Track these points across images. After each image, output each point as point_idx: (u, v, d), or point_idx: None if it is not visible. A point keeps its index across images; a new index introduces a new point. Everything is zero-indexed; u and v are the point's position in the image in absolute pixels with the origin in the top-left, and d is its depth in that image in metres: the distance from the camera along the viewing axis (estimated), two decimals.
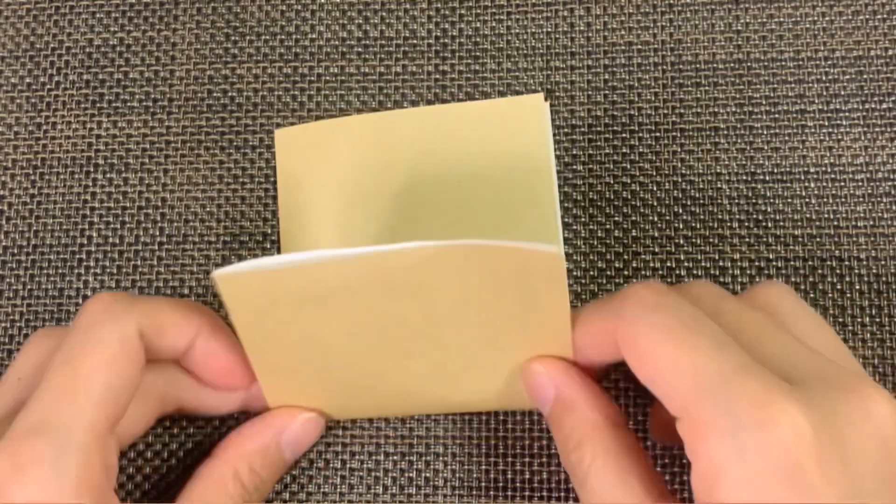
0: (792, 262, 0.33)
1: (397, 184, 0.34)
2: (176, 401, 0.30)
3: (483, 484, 0.32)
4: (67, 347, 0.26)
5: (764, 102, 0.34)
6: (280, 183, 0.35)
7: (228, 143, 0.36)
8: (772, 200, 0.34)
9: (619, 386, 0.32)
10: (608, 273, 0.34)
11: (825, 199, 0.34)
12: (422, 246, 0.24)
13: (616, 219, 0.34)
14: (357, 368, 0.29)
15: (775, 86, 0.35)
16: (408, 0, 0.36)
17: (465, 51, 0.36)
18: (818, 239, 0.33)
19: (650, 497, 0.24)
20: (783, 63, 0.35)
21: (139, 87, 0.36)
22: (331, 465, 0.33)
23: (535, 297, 0.26)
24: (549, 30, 0.36)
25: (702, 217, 0.34)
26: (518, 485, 0.32)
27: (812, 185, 0.34)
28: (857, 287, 0.33)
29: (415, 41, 0.36)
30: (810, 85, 0.34)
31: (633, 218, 0.34)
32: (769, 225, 0.34)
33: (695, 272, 0.33)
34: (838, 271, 0.33)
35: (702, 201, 0.34)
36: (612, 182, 0.34)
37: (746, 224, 0.34)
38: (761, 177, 0.34)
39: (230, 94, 0.36)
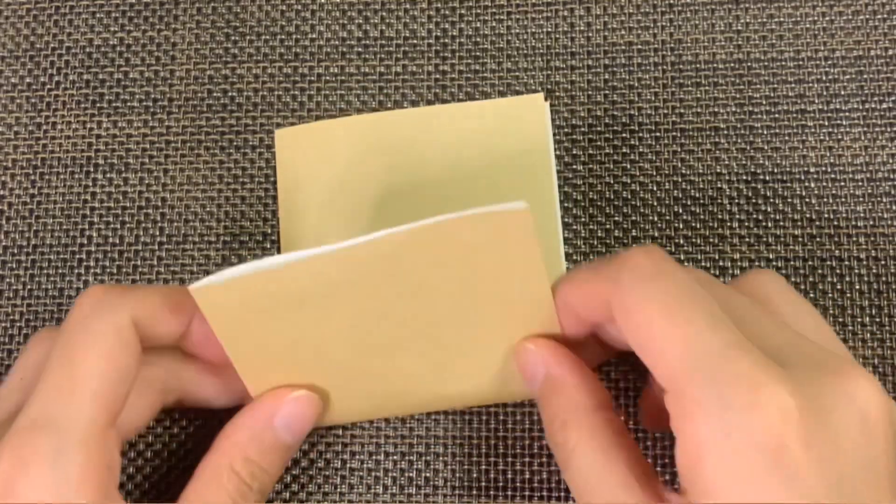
0: (792, 262, 0.33)
1: (397, 183, 0.34)
2: (177, 391, 0.30)
3: (483, 484, 0.32)
4: (63, 343, 0.26)
5: (764, 102, 0.34)
6: (280, 183, 0.35)
7: (228, 143, 0.36)
8: (772, 200, 0.34)
9: (619, 386, 0.32)
10: None
11: (825, 199, 0.34)
12: (389, 233, 0.25)
13: (616, 219, 0.34)
14: (347, 370, 0.29)
15: (775, 86, 0.35)
16: (408, 0, 0.36)
17: (465, 51, 0.36)
18: (818, 239, 0.33)
19: (634, 478, 0.24)
20: (783, 63, 0.35)
21: (139, 87, 0.36)
22: (331, 465, 0.33)
23: (510, 262, 0.26)
24: (549, 30, 0.36)
25: (702, 217, 0.34)
26: (518, 485, 0.32)
27: (812, 185, 0.34)
28: (857, 287, 0.33)
29: (415, 41, 0.36)
30: (810, 85, 0.34)
31: (633, 218, 0.34)
32: (769, 225, 0.34)
33: None
34: (838, 271, 0.33)
35: (702, 201, 0.34)
36: (612, 182, 0.34)
37: (746, 224, 0.34)
38: (761, 177, 0.34)
39: (230, 94, 0.36)
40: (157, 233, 0.35)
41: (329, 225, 0.34)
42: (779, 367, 0.22)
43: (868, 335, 0.32)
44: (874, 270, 0.33)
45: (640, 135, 0.35)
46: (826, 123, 0.34)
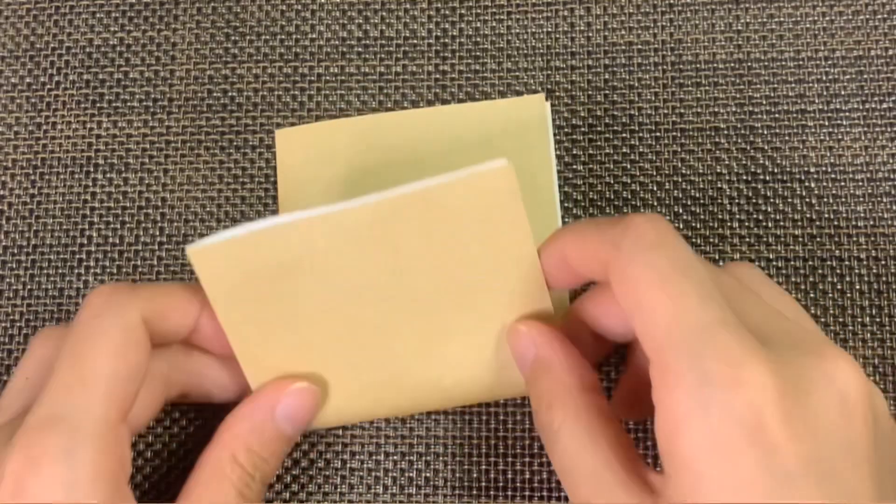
0: (792, 262, 0.33)
1: (398, 184, 0.34)
2: (180, 385, 0.30)
3: (483, 484, 0.32)
4: (73, 341, 0.27)
5: (764, 102, 0.34)
6: (280, 183, 0.35)
7: (228, 143, 0.36)
8: (772, 200, 0.34)
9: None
10: None
11: (825, 199, 0.34)
12: (378, 199, 0.26)
13: None
14: (341, 352, 0.29)
15: (775, 86, 0.35)
16: (408, 0, 0.36)
17: (465, 51, 0.36)
18: (818, 239, 0.33)
19: (616, 460, 0.25)
20: (783, 63, 0.35)
21: (139, 87, 0.36)
22: (331, 465, 0.33)
23: (496, 221, 0.27)
24: (549, 30, 0.36)
25: (702, 217, 0.34)
26: (518, 485, 0.32)
27: (812, 185, 0.34)
28: (857, 287, 0.33)
29: (415, 41, 0.36)
30: (810, 85, 0.34)
31: None
32: (769, 225, 0.34)
33: None
34: (838, 271, 0.33)
35: (702, 201, 0.34)
36: (612, 182, 0.34)
37: (746, 224, 0.34)
38: (761, 177, 0.34)
39: (230, 94, 0.36)
40: (157, 233, 0.35)
41: None
42: (762, 346, 0.22)
43: (868, 335, 0.32)
44: (874, 270, 0.33)
45: (640, 135, 0.35)
46: (826, 123, 0.34)
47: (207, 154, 0.36)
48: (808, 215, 0.34)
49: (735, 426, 0.21)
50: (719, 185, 0.34)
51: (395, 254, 0.27)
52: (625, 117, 0.35)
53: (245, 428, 0.29)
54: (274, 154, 0.35)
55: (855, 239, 0.33)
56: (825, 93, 0.34)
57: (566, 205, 0.34)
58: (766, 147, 0.34)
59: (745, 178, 0.34)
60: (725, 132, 0.34)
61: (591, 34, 0.36)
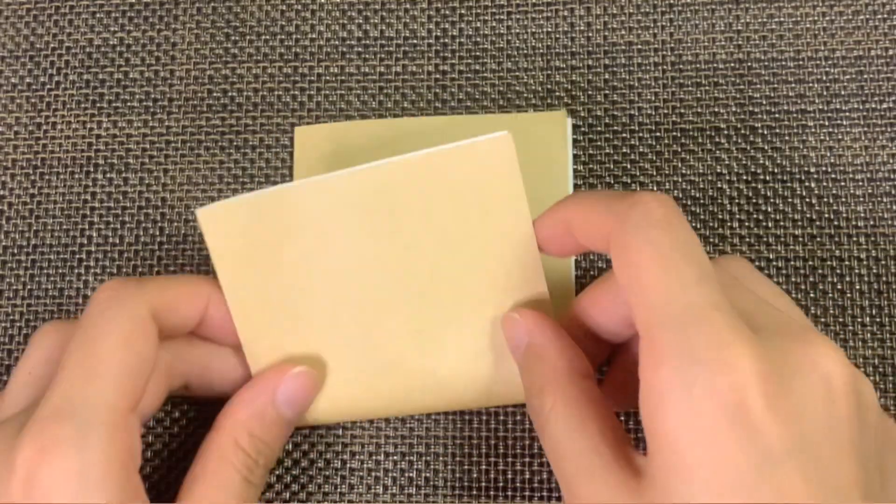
0: (792, 262, 0.33)
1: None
2: (183, 375, 0.30)
3: (483, 484, 0.32)
4: (83, 333, 0.27)
5: (764, 102, 0.34)
6: (296, 178, 0.35)
7: (228, 143, 0.36)
8: (772, 200, 0.34)
9: None
10: None
11: (825, 200, 0.34)
12: (381, 164, 0.27)
13: None
14: (337, 326, 0.30)
15: (775, 86, 0.35)
16: (408, 0, 0.36)
17: (465, 51, 0.36)
18: (818, 239, 0.33)
19: (605, 444, 0.25)
20: (783, 63, 0.35)
21: (139, 87, 0.36)
22: (331, 465, 0.33)
23: (494, 190, 0.28)
24: (549, 30, 0.36)
25: (702, 217, 0.34)
26: (518, 485, 0.32)
27: (812, 185, 0.34)
28: (857, 287, 0.33)
29: (415, 41, 0.36)
30: (810, 85, 0.34)
31: None
32: (769, 225, 0.34)
33: None
34: (838, 271, 0.33)
35: (702, 201, 0.34)
36: (612, 182, 0.34)
37: (746, 224, 0.34)
38: (761, 177, 0.34)
39: (230, 94, 0.36)
40: (157, 233, 0.35)
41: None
42: (750, 330, 0.22)
43: (868, 335, 0.32)
44: (874, 270, 0.33)
45: (640, 135, 0.35)
46: (826, 123, 0.34)
47: (207, 154, 0.36)
48: (808, 215, 0.34)
49: (718, 407, 0.21)
50: (719, 185, 0.34)
51: (395, 220, 0.28)
52: (625, 117, 0.35)
53: (247, 413, 0.29)
54: (275, 154, 0.35)
55: (855, 239, 0.33)
56: (825, 93, 0.34)
57: None
58: (766, 147, 0.34)
59: (745, 178, 0.34)
60: (725, 132, 0.34)
61: (591, 34, 0.36)
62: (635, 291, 0.24)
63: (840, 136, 0.34)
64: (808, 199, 0.34)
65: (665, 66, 0.35)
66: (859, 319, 0.33)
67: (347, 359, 0.30)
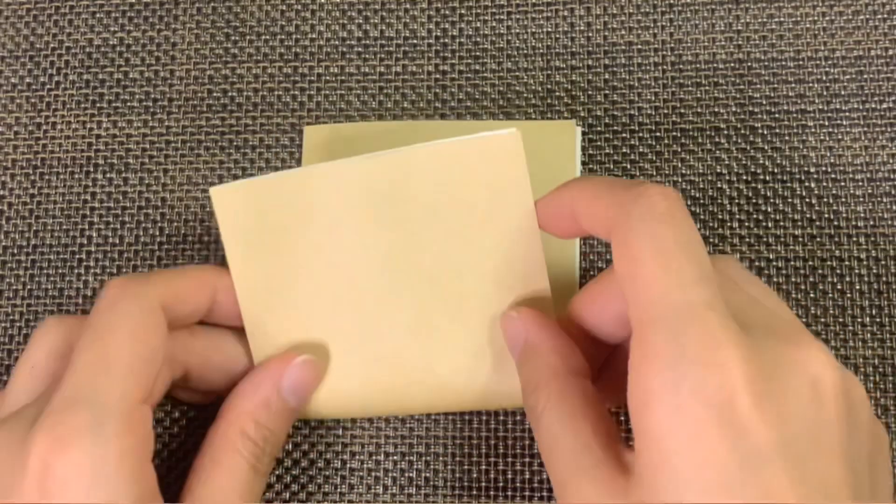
0: (792, 262, 0.33)
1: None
2: (183, 365, 0.30)
3: (483, 484, 0.32)
4: (93, 327, 0.27)
5: (764, 102, 0.34)
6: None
7: (228, 143, 0.36)
8: (772, 200, 0.34)
9: None
10: None
11: (825, 200, 0.34)
12: (391, 153, 0.28)
13: None
14: (339, 314, 0.30)
15: (775, 86, 0.35)
16: (408, 0, 0.36)
17: (465, 51, 0.36)
18: (818, 239, 0.33)
19: (596, 442, 0.25)
20: (783, 63, 0.35)
21: (139, 87, 0.36)
22: (331, 465, 0.33)
23: (500, 184, 0.28)
24: (549, 30, 0.36)
25: (702, 217, 0.34)
26: (518, 485, 0.32)
27: (812, 185, 0.34)
28: (857, 287, 0.33)
29: (415, 41, 0.36)
30: (810, 85, 0.34)
31: None
32: (769, 225, 0.34)
33: None
34: (838, 271, 0.33)
35: (702, 201, 0.34)
36: None
37: (746, 224, 0.34)
38: (761, 177, 0.34)
39: (230, 94, 0.36)
40: (157, 233, 0.35)
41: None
42: (742, 331, 0.22)
43: (868, 335, 0.32)
44: (874, 270, 0.33)
45: (640, 135, 0.35)
46: (826, 123, 0.34)
47: (207, 154, 0.36)
48: (808, 215, 0.34)
49: (705, 405, 0.21)
50: (719, 185, 0.34)
51: (402, 209, 0.28)
52: (625, 117, 0.35)
53: (252, 402, 0.29)
54: (274, 154, 0.35)
55: (855, 239, 0.33)
56: (825, 93, 0.34)
57: None
58: (766, 147, 0.34)
59: (745, 178, 0.34)
60: (725, 132, 0.34)
61: (591, 34, 0.36)
62: (633, 285, 0.24)
63: (840, 136, 0.34)
64: (808, 199, 0.34)
65: (665, 66, 0.35)
66: (859, 319, 0.33)
67: (348, 348, 0.31)
